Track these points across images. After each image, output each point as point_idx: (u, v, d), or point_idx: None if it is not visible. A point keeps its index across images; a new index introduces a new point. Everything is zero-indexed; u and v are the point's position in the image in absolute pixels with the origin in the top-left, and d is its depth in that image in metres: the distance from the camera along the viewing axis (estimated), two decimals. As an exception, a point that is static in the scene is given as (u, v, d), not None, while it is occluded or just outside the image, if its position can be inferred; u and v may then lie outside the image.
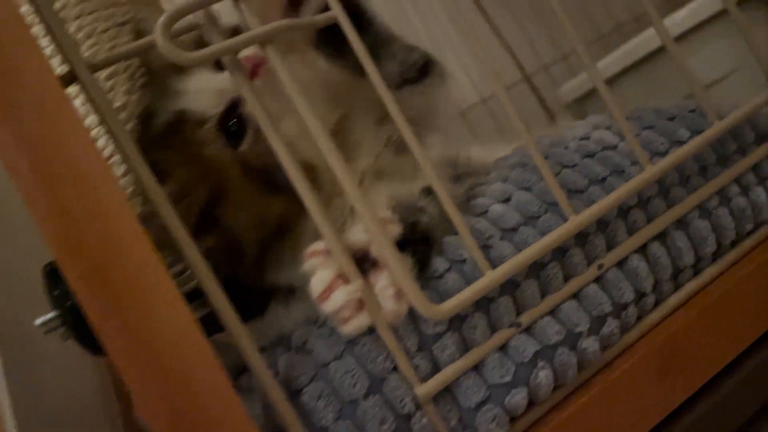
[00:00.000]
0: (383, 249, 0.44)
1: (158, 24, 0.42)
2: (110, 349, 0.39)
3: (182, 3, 0.44)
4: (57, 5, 0.58)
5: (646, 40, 1.26)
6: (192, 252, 0.44)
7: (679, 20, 1.20)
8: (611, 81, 1.35)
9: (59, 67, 0.46)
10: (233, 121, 0.56)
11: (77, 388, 0.66)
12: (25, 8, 0.48)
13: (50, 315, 0.56)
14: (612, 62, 1.33)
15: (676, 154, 0.55)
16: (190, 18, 0.50)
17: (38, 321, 0.55)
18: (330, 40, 0.44)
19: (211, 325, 0.46)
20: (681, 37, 1.21)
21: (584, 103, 1.47)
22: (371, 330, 0.47)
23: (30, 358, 0.64)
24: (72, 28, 0.59)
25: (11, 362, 0.62)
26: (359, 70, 0.46)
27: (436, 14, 1.50)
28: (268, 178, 0.54)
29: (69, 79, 0.44)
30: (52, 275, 0.53)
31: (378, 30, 0.51)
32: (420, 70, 0.56)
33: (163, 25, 0.42)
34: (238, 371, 0.49)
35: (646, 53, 1.26)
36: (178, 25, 0.54)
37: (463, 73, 1.49)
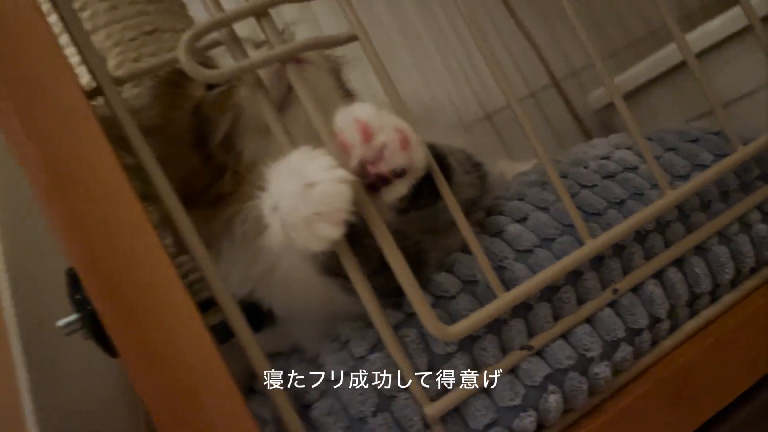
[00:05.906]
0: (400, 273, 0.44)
1: (181, 42, 0.43)
2: (125, 361, 0.40)
3: (205, 21, 0.44)
4: (86, 14, 0.59)
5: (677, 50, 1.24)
6: (208, 265, 0.44)
7: (708, 33, 1.18)
8: (642, 88, 1.33)
9: (83, 79, 0.47)
10: None
11: (100, 389, 0.67)
12: (52, 18, 0.49)
13: (72, 317, 0.57)
14: (644, 70, 1.31)
15: (698, 180, 0.54)
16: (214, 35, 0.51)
17: (60, 323, 0.57)
18: (418, 198, 0.46)
19: (229, 330, 0.47)
20: (709, 50, 1.18)
21: (613, 110, 1.44)
22: (381, 347, 0.47)
23: (53, 358, 0.65)
24: (101, 36, 0.61)
25: (34, 362, 0.63)
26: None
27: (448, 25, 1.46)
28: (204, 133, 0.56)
29: (94, 92, 0.45)
30: (74, 280, 0.54)
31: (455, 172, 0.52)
32: (481, 188, 0.56)
33: (186, 43, 0.43)
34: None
35: (678, 61, 1.24)
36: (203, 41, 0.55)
37: (469, 89, 1.47)
